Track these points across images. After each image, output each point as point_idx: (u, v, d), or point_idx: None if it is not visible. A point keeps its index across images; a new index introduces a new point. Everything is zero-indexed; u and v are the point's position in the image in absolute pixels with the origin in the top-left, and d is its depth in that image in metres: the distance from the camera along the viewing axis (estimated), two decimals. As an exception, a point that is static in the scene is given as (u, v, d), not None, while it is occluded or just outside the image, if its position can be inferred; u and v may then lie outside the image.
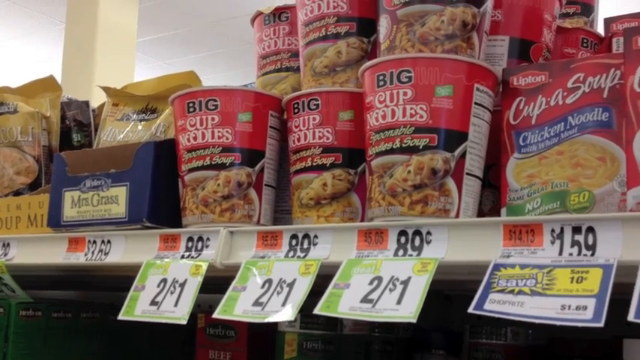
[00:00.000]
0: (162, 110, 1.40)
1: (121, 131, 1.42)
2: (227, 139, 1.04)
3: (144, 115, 1.42)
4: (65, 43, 5.48)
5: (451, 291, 1.28)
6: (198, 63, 7.41)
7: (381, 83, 0.90)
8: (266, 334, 1.20)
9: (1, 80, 1.71)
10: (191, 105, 1.05)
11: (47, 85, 1.54)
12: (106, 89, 1.47)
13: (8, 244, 1.20)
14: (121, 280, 1.12)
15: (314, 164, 1.00)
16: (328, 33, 1.06)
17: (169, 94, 1.22)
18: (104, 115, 1.46)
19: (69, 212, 1.14)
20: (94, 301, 1.47)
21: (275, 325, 1.12)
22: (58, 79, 1.58)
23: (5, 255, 1.19)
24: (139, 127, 1.41)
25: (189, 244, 1.01)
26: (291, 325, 1.07)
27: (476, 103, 0.89)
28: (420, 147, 0.86)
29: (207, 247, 1.00)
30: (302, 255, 0.90)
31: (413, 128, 0.87)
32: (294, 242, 0.92)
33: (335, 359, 1.09)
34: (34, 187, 1.43)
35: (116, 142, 1.40)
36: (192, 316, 1.04)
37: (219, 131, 1.04)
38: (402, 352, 1.19)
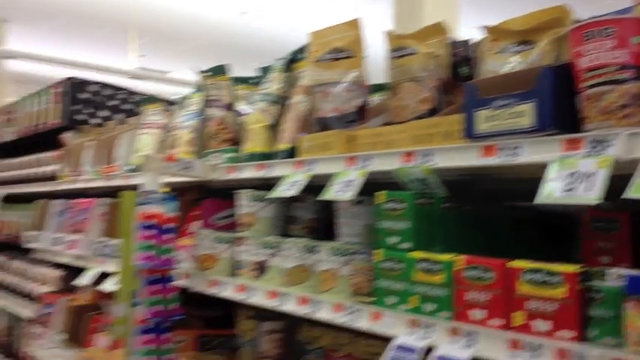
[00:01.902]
0: (537, 42, 1.63)
1: (500, 62, 1.70)
2: (622, 59, 1.25)
3: (520, 47, 1.67)
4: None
5: None
6: None
7: None
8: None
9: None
10: (589, 34, 1.28)
11: (435, 29, 1.88)
12: (485, 27, 1.76)
13: (431, 153, 1.57)
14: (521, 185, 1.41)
15: None
16: None
17: (543, 28, 1.48)
18: (484, 49, 1.75)
19: (481, 126, 1.46)
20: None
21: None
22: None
23: (429, 162, 1.57)
24: (517, 58, 1.66)
25: (591, 145, 1.26)
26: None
27: None
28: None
29: (608, 147, 1.23)
30: None
31: None
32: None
33: None
34: (433, 112, 1.80)
35: (496, 72, 1.68)
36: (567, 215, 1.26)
37: (614, 53, 1.25)
38: None
